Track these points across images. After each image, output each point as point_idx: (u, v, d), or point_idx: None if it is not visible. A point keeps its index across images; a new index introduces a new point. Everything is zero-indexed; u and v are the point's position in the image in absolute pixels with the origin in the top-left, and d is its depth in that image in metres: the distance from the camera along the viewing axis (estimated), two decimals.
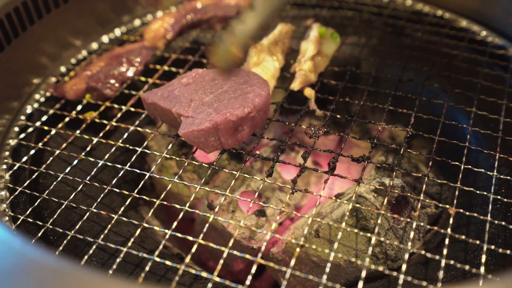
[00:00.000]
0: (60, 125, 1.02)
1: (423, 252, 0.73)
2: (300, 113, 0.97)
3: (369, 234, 0.76)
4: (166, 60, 1.18)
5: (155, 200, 0.81)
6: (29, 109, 1.10)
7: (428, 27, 1.27)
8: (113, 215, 0.79)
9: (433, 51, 1.17)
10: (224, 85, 0.89)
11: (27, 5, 1.12)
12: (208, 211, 0.98)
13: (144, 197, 0.83)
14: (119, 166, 0.88)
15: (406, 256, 0.71)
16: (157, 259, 0.71)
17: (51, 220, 0.82)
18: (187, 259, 0.70)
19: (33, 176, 0.91)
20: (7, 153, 0.99)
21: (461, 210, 0.77)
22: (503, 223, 0.76)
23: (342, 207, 0.89)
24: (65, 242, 0.77)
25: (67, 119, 1.03)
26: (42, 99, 1.13)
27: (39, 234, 0.80)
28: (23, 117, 1.08)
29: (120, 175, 0.86)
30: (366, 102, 0.99)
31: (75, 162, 0.91)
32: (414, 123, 0.91)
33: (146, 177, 0.85)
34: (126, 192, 0.83)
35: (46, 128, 1.02)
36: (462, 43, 1.18)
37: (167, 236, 0.75)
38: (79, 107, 1.06)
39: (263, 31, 0.71)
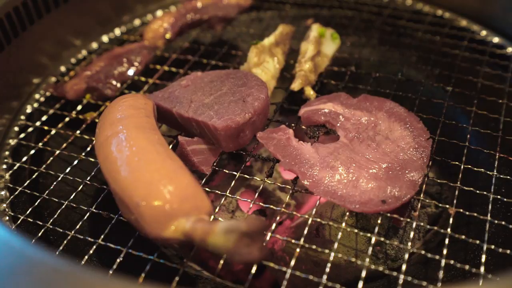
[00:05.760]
0: (60, 125, 1.02)
1: (423, 252, 0.73)
2: None
3: (369, 234, 0.76)
4: (166, 60, 1.18)
5: None
6: (29, 109, 1.10)
7: (428, 27, 1.27)
8: (113, 215, 0.79)
9: (433, 50, 1.17)
10: (223, 87, 0.89)
11: (27, 4, 1.12)
12: None
13: None
14: None
15: (406, 256, 0.71)
16: (157, 259, 0.71)
17: (51, 220, 0.82)
18: (187, 259, 0.70)
19: (33, 176, 0.91)
20: (7, 152, 0.99)
21: (461, 210, 0.77)
22: (503, 222, 0.76)
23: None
24: (65, 242, 0.77)
25: (67, 119, 1.03)
26: (42, 99, 1.13)
27: (39, 234, 0.80)
28: (23, 117, 1.08)
29: None
30: None
31: (75, 162, 0.91)
32: None
33: None
34: None
35: (46, 128, 1.02)
36: (462, 43, 1.18)
37: None
38: (79, 107, 1.06)
39: None
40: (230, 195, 0.81)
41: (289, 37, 1.14)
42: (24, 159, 0.95)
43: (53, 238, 0.86)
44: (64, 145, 0.96)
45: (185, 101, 0.88)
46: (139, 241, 0.74)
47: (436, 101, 0.98)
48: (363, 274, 0.67)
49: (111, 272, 0.71)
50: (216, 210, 0.80)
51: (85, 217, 0.81)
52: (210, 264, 1.05)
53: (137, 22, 1.39)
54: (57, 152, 0.94)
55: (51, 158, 0.94)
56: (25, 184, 0.90)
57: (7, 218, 0.85)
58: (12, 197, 0.88)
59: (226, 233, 0.60)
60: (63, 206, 0.84)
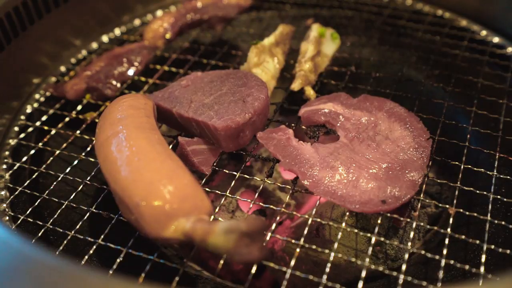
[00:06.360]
0: (60, 125, 1.02)
1: (423, 252, 0.73)
2: None
3: (369, 234, 0.76)
4: (166, 60, 1.18)
5: None
6: (29, 109, 1.10)
7: (428, 27, 1.27)
8: (113, 215, 0.79)
9: (433, 50, 1.17)
10: (222, 87, 0.89)
11: (27, 4, 1.12)
12: None
13: None
14: None
15: (406, 256, 0.71)
16: (157, 259, 0.71)
17: (51, 220, 0.82)
18: (187, 259, 0.70)
19: (33, 176, 0.91)
20: (7, 152, 0.99)
21: (461, 210, 0.77)
22: (503, 222, 0.76)
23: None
24: (65, 242, 0.77)
25: (67, 119, 1.03)
26: (42, 99, 1.13)
27: (39, 234, 0.80)
28: (23, 117, 1.08)
29: None
30: None
31: (75, 162, 0.91)
32: None
33: None
34: None
35: (46, 128, 1.02)
36: (462, 43, 1.18)
37: None
38: (79, 107, 1.06)
39: None
40: (230, 195, 0.81)
41: (289, 37, 1.14)
42: (24, 159, 0.95)
43: (53, 238, 0.86)
44: (64, 145, 0.96)
45: (185, 101, 0.88)
46: (139, 241, 0.74)
47: (436, 101, 0.98)
48: (363, 274, 0.67)
49: (111, 272, 0.71)
50: (216, 210, 0.80)
51: (85, 217, 0.81)
52: (210, 264, 1.05)
53: (137, 22, 1.39)
54: (57, 152, 0.94)
55: (51, 158, 0.94)
56: (25, 184, 0.90)
57: (7, 218, 0.85)
58: (12, 197, 0.88)
59: (226, 233, 0.60)
60: (63, 206, 0.84)
